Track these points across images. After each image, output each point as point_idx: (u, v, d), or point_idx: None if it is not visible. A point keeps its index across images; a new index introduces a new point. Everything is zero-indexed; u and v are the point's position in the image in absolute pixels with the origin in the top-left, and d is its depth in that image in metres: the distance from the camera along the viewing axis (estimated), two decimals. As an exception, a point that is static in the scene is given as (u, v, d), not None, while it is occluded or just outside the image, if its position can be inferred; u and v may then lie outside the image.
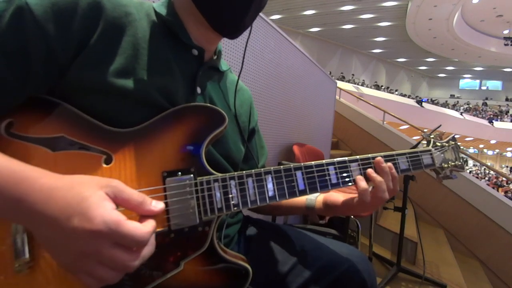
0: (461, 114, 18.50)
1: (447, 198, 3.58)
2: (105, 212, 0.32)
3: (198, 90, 0.55)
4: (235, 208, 0.48)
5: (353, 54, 21.82)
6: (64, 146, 0.41)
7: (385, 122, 4.65)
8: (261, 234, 0.72)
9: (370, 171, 0.57)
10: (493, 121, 18.77)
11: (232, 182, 0.48)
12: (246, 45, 0.68)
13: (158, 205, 0.38)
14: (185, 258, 0.45)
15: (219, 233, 0.60)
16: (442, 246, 3.07)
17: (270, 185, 0.51)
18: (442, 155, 0.71)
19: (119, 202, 0.35)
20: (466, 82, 26.45)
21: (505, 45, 15.26)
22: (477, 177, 6.47)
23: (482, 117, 19.75)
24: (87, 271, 0.33)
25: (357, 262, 0.62)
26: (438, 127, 1.29)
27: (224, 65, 0.66)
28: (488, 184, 8.09)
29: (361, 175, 0.57)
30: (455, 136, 0.76)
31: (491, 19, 15.22)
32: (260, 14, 0.59)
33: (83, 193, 0.33)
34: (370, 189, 0.56)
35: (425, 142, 0.74)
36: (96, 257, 0.32)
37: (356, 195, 0.58)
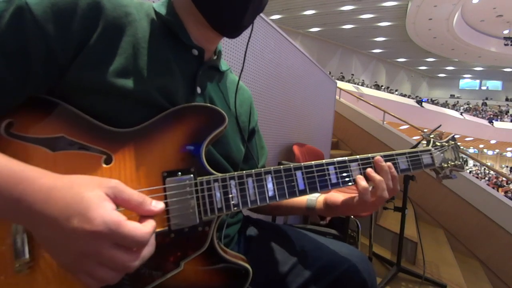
0: (461, 114, 18.50)
1: (447, 198, 3.58)
2: (105, 212, 0.32)
3: (198, 90, 0.55)
4: (235, 208, 0.48)
5: (353, 54, 21.82)
6: (63, 146, 0.41)
7: (385, 122, 4.65)
8: (261, 234, 0.72)
9: (369, 170, 0.57)
10: (493, 121, 18.77)
11: (232, 182, 0.48)
12: (247, 46, 0.68)
13: (158, 205, 0.38)
14: (185, 258, 0.45)
15: (219, 233, 0.60)
16: (442, 246, 3.07)
17: (270, 185, 0.51)
18: (442, 154, 0.71)
19: (119, 202, 0.35)
20: (466, 82, 26.46)
21: (505, 45, 15.27)
22: (477, 177, 6.47)
23: (482, 117, 19.75)
24: (87, 271, 0.33)
25: (357, 262, 0.62)
26: (438, 127, 1.29)
27: (224, 65, 0.66)
28: (488, 184, 8.09)
29: (361, 175, 0.57)
30: (455, 136, 0.76)
31: (491, 19, 15.23)
32: (260, 14, 0.59)
33: (83, 193, 0.33)
34: (370, 188, 0.56)
35: (425, 142, 0.74)
36: (96, 258, 0.32)
37: (356, 194, 0.58)
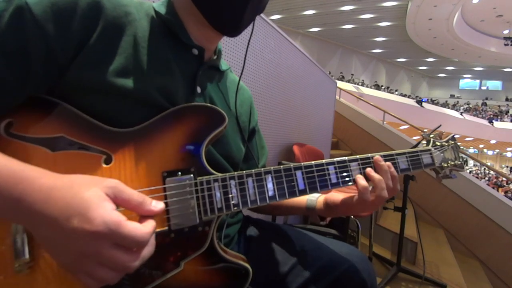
0: (461, 114, 18.50)
1: (447, 198, 3.58)
2: (105, 212, 0.32)
3: (198, 89, 0.55)
4: (235, 208, 0.48)
5: (353, 54, 21.82)
6: (63, 146, 0.41)
7: (385, 122, 4.65)
8: (261, 234, 0.72)
9: (369, 170, 0.57)
10: (493, 121, 18.77)
11: (232, 182, 0.48)
12: (247, 46, 0.68)
13: (158, 205, 0.38)
14: (185, 258, 0.45)
15: (219, 233, 0.60)
16: (442, 246, 3.07)
17: (270, 185, 0.51)
18: (442, 154, 0.71)
19: (119, 203, 0.35)
20: (466, 82, 26.46)
21: (505, 45, 15.27)
22: (477, 177, 6.47)
23: (482, 117, 19.75)
24: (87, 271, 0.33)
25: (357, 262, 0.62)
26: (438, 127, 1.29)
27: (224, 64, 0.66)
28: (488, 184, 8.09)
29: (361, 174, 0.57)
30: (455, 136, 0.76)
31: (491, 19, 15.23)
32: (260, 14, 0.59)
33: (83, 193, 0.33)
34: (370, 188, 0.56)
35: (425, 142, 0.74)
36: (96, 258, 0.32)
37: (356, 193, 0.58)
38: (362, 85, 17.61)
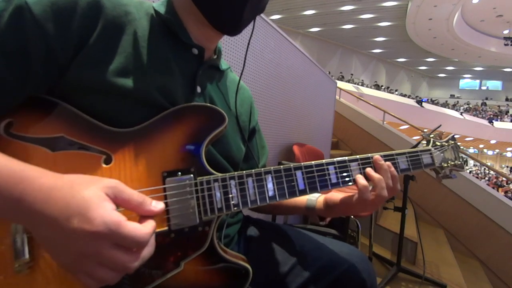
0: (461, 114, 18.50)
1: (447, 198, 3.58)
2: (105, 213, 0.32)
3: (198, 89, 0.55)
4: (235, 208, 0.48)
5: (353, 54, 21.82)
6: (63, 146, 0.41)
7: (385, 122, 4.65)
8: (261, 234, 0.72)
9: (369, 170, 0.57)
10: (493, 121, 18.77)
11: (232, 182, 0.48)
12: (248, 46, 0.68)
13: (158, 205, 0.38)
14: (185, 258, 0.45)
15: (219, 233, 0.60)
16: (442, 246, 3.07)
17: (270, 185, 0.51)
18: (442, 154, 0.71)
19: (119, 203, 0.35)
20: (466, 82, 26.45)
21: (505, 45, 15.26)
22: (477, 177, 6.47)
23: (482, 117, 19.75)
24: (87, 271, 0.33)
25: (357, 262, 0.62)
26: (438, 127, 1.29)
27: (224, 64, 0.66)
28: (488, 184, 8.09)
29: (361, 174, 0.57)
30: (455, 136, 0.76)
31: (491, 19, 15.22)
32: (260, 14, 0.59)
33: (83, 193, 0.33)
34: (370, 188, 0.56)
35: (425, 142, 0.74)
36: (96, 258, 0.32)
37: (356, 192, 0.58)
38: (362, 85, 17.61)
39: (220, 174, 0.48)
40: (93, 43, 0.43)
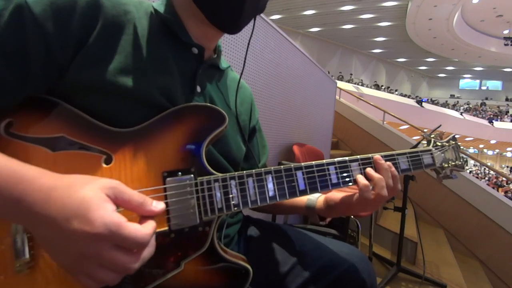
0: (461, 114, 18.50)
1: (447, 198, 3.58)
2: (106, 214, 0.32)
3: (198, 89, 0.55)
4: (236, 208, 0.48)
5: (353, 54, 21.81)
6: (64, 146, 0.41)
7: (385, 122, 4.65)
8: (261, 234, 0.72)
9: (369, 169, 0.57)
10: (493, 121, 18.77)
11: (233, 182, 0.48)
12: (248, 46, 0.68)
13: (158, 206, 0.38)
14: (186, 258, 0.45)
15: (219, 233, 0.60)
16: (442, 246, 3.07)
17: (270, 185, 0.51)
18: (443, 154, 0.71)
19: (120, 203, 0.35)
20: (466, 82, 26.45)
21: (505, 45, 15.26)
22: (477, 177, 6.47)
23: (482, 117, 19.75)
24: (87, 272, 0.33)
25: (357, 262, 0.62)
26: (438, 127, 1.29)
27: (224, 63, 0.66)
28: (488, 184, 8.08)
29: (362, 174, 0.57)
30: (455, 136, 0.76)
31: (491, 19, 15.22)
32: (260, 14, 0.59)
33: (83, 194, 0.32)
34: (370, 187, 0.56)
35: (425, 142, 0.74)
36: (97, 259, 0.32)
37: (356, 191, 0.58)
38: (362, 85, 17.60)
39: (220, 174, 0.48)
40: (92, 42, 0.43)
